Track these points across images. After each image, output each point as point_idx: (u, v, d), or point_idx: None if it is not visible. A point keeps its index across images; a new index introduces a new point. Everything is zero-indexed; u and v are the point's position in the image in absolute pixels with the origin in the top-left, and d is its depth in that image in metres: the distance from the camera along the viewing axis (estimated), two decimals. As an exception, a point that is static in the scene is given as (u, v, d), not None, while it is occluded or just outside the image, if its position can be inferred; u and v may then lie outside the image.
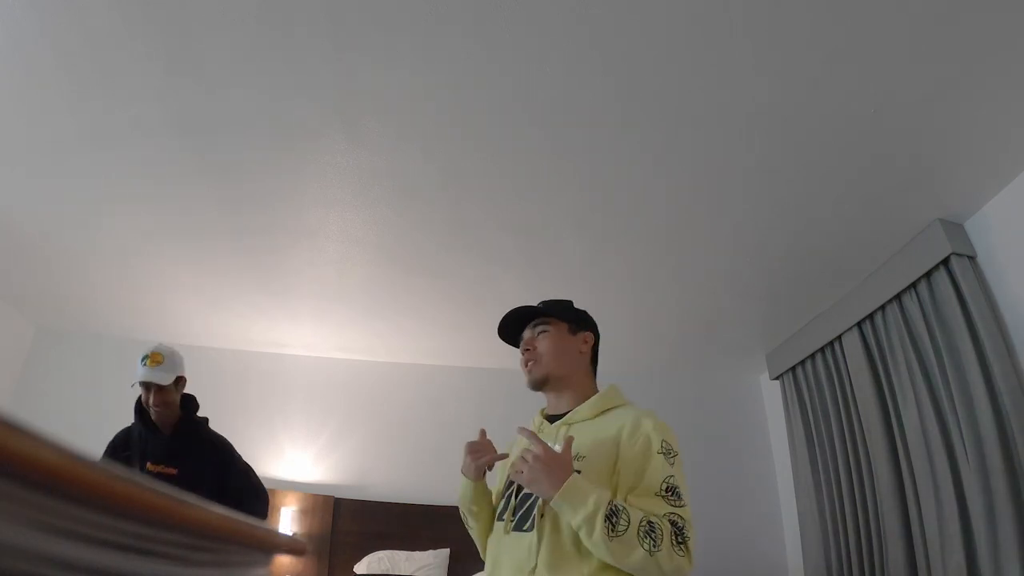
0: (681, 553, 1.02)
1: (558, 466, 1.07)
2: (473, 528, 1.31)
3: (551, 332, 1.31)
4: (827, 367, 3.28)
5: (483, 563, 1.27)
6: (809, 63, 1.79)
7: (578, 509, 1.02)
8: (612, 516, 1.02)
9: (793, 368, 3.61)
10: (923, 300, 2.55)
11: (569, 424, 1.24)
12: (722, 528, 3.84)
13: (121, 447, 2.08)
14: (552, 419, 1.29)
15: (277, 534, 0.70)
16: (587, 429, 1.21)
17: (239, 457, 2.20)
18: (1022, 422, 2.08)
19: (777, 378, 3.80)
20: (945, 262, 2.44)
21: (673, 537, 1.03)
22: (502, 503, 1.25)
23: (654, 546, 1.00)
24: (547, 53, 1.80)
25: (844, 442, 3.08)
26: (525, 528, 1.14)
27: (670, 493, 1.09)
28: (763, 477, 4.06)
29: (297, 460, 3.96)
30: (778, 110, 1.98)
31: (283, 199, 2.57)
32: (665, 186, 2.38)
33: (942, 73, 1.80)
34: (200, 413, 2.26)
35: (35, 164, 2.41)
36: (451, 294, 3.32)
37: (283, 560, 3.32)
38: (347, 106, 2.03)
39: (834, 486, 3.14)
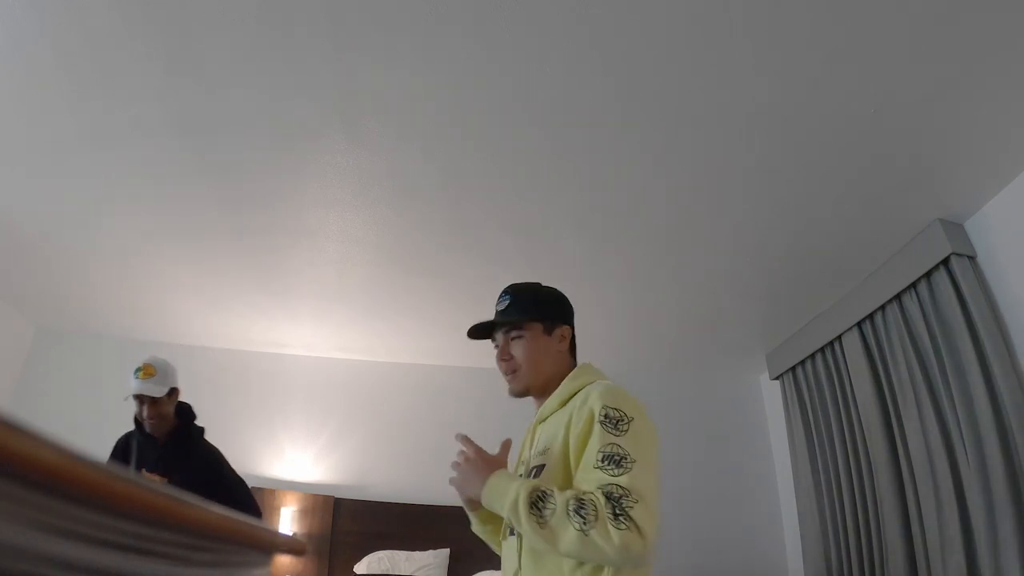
0: (623, 526, 0.90)
1: (485, 466, 1.06)
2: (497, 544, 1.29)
3: (526, 338, 1.22)
4: (827, 367, 3.28)
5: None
6: (809, 63, 1.79)
7: (503, 502, 0.99)
8: (538, 502, 0.96)
9: (793, 368, 3.61)
10: (923, 300, 2.55)
11: (542, 420, 1.20)
12: (722, 528, 3.84)
13: (122, 451, 2.13)
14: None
15: (277, 534, 0.70)
16: (558, 419, 1.15)
17: (229, 471, 2.20)
18: (1022, 422, 2.08)
19: (777, 378, 3.80)
20: (945, 262, 2.44)
21: (610, 510, 0.91)
22: None
23: (584, 524, 0.91)
24: (547, 53, 1.80)
25: (844, 442, 3.08)
26: (512, 533, 1.13)
27: (607, 462, 0.98)
28: (763, 477, 4.05)
29: (297, 460, 3.96)
30: (778, 110, 1.97)
31: (283, 199, 2.57)
32: (665, 186, 2.38)
33: (942, 73, 1.80)
34: (200, 413, 2.26)
35: (35, 164, 2.41)
36: (451, 294, 3.32)
37: (283, 560, 3.32)
38: (347, 106, 2.03)
39: (834, 486, 3.14)
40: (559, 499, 0.96)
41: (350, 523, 3.72)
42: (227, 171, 2.41)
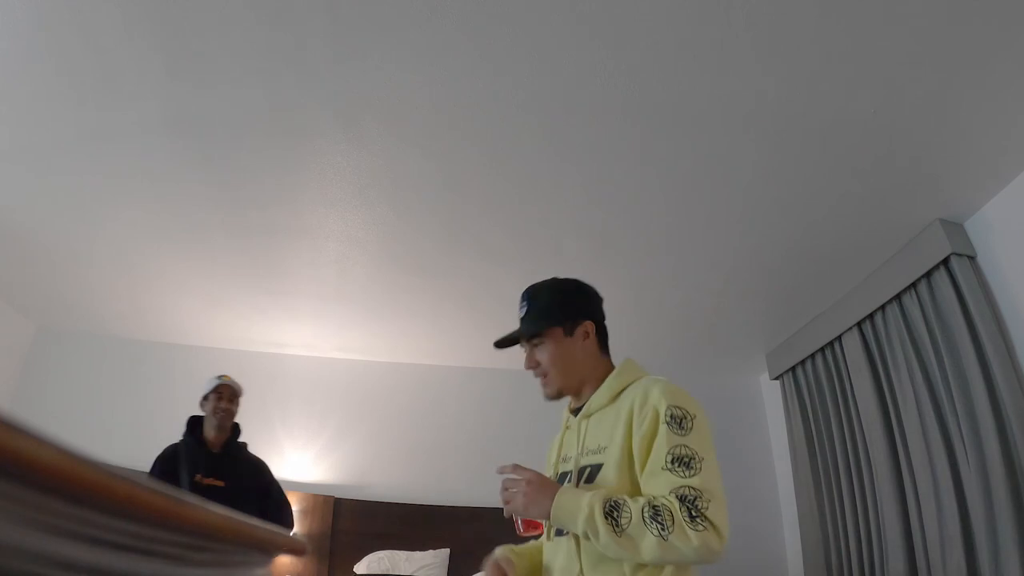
0: (701, 527, 0.92)
1: (545, 484, 1.06)
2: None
3: (547, 344, 1.21)
4: (827, 367, 3.28)
5: (482, 563, 1.26)
6: (809, 63, 1.79)
7: (577, 518, 0.99)
8: (613, 512, 0.96)
9: (793, 368, 3.61)
10: (923, 300, 2.55)
11: (589, 415, 1.19)
12: (722, 528, 3.84)
13: (170, 459, 2.25)
14: (577, 411, 1.24)
15: (277, 534, 0.70)
16: (607, 416, 1.15)
17: (275, 480, 2.50)
18: (1022, 422, 2.08)
19: (777, 378, 3.79)
20: (945, 262, 2.44)
21: (685, 513, 0.93)
22: None
23: (662, 530, 0.92)
24: (547, 54, 1.80)
25: (844, 442, 3.08)
26: (561, 533, 1.12)
27: (677, 464, 0.98)
28: (763, 477, 4.06)
29: (297, 460, 3.96)
30: (778, 110, 1.97)
31: (283, 199, 2.57)
32: (665, 186, 2.38)
33: (942, 73, 1.80)
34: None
35: (35, 164, 2.41)
36: (451, 294, 3.32)
37: (283, 560, 3.32)
38: (347, 106, 2.03)
39: (834, 486, 3.14)
40: (634, 507, 0.96)
41: (350, 523, 3.72)
42: (227, 171, 2.41)
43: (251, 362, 4.20)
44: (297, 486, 3.85)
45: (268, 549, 0.62)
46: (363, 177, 2.40)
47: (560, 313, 1.23)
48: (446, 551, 3.57)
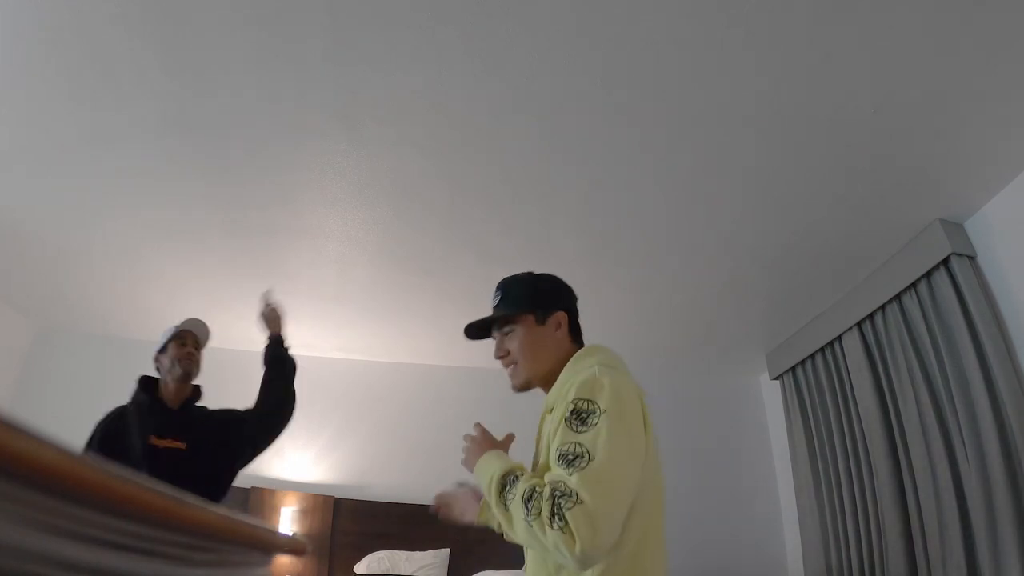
0: (556, 526, 0.86)
1: (481, 444, 1.11)
2: None
3: (518, 331, 1.19)
4: (827, 367, 3.28)
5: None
6: (809, 63, 1.79)
7: (483, 482, 1.02)
8: (507, 485, 0.97)
9: (793, 368, 3.61)
10: (923, 300, 2.55)
11: (550, 408, 1.14)
12: (722, 528, 3.84)
13: (116, 420, 1.90)
14: None
15: (277, 534, 0.70)
16: (559, 408, 1.10)
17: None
18: (1022, 422, 2.08)
19: (777, 378, 3.79)
20: (945, 262, 2.43)
21: (550, 508, 0.89)
22: None
23: (527, 515, 0.90)
24: (546, 54, 1.80)
25: (844, 442, 3.08)
26: None
27: (562, 460, 0.93)
28: (763, 477, 4.05)
29: (297, 460, 3.96)
30: (778, 110, 1.97)
31: (283, 199, 2.57)
32: (665, 186, 2.38)
33: (942, 73, 1.80)
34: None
35: (35, 164, 2.41)
36: (451, 294, 3.32)
37: (283, 560, 3.32)
38: (347, 107, 2.03)
39: (834, 486, 3.14)
40: (520, 486, 0.95)
41: (350, 523, 3.72)
42: (227, 171, 2.41)
43: (251, 362, 4.19)
44: (297, 486, 3.85)
45: (268, 549, 0.62)
46: (363, 177, 2.40)
47: (532, 301, 1.22)
48: (446, 551, 3.57)
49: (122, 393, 2.09)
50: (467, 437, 1.15)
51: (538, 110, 2.02)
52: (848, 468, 3.02)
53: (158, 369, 2.00)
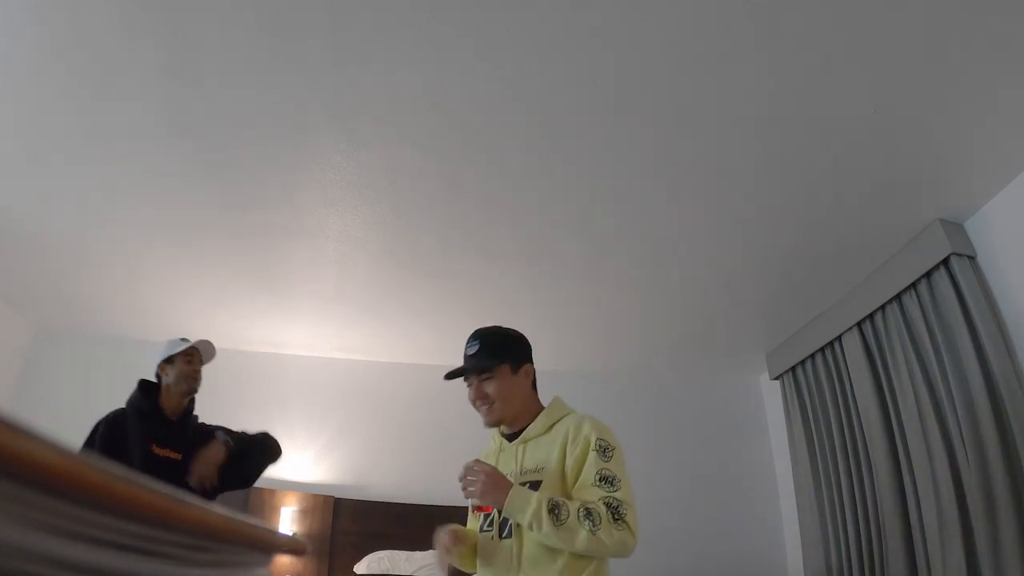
0: (620, 528, 1.20)
1: (501, 479, 1.29)
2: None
3: (496, 378, 1.41)
4: (827, 367, 3.28)
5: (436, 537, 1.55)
6: (809, 63, 1.79)
7: (525, 510, 1.22)
8: (555, 509, 1.21)
9: (793, 368, 3.61)
10: (923, 300, 2.55)
11: (526, 441, 1.42)
12: (722, 528, 3.84)
13: (119, 425, 1.96)
14: (511, 437, 1.46)
15: (277, 534, 0.70)
16: (543, 442, 1.40)
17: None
18: (1022, 422, 2.08)
19: (777, 378, 3.79)
20: (945, 262, 2.43)
21: (610, 516, 1.20)
22: (491, 515, 1.43)
23: (593, 526, 1.19)
24: (546, 54, 1.80)
25: (844, 442, 3.08)
26: (504, 536, 1.35)
27: (603, 482, 1.26)
28: (763, 477, 4.05)
29: (297, 460, 3.96)
30: (778, 110, 1.97)
31: (283, 199, 2.57)
32: (665, 186, 2.38)
33: (942, 73, 1.80)
34: (199, 413, 2.24)
35: (35, 164, 2.41)
36: (451, 294, 3.32)
37: (283, 560, 3.32)
38: (347, 107, 2.03)
39: (834, 486, 3.14)
40: (571, 507, 1.22)
41: (350, 523, 3.72)
42: (227, 171, 2.41)
43: (251, 362, 4.20)
44: (297, 486, 3.85)
45: (268, 549, 0.62)
46: (363, 177, 2.40)
47: (510, 353, 1.45)
48: (446, 551, 3.56)
49: (122, 393, 2.09)
50: (471, 471, 1.31)
51: (539, 110, 2.02)
52: (848, 468, 3.02)
53: (158, 377, 2.08)
